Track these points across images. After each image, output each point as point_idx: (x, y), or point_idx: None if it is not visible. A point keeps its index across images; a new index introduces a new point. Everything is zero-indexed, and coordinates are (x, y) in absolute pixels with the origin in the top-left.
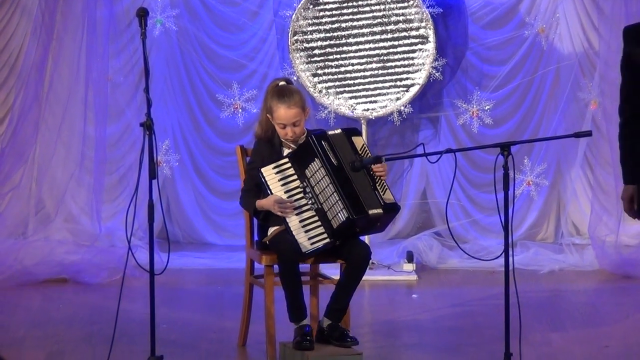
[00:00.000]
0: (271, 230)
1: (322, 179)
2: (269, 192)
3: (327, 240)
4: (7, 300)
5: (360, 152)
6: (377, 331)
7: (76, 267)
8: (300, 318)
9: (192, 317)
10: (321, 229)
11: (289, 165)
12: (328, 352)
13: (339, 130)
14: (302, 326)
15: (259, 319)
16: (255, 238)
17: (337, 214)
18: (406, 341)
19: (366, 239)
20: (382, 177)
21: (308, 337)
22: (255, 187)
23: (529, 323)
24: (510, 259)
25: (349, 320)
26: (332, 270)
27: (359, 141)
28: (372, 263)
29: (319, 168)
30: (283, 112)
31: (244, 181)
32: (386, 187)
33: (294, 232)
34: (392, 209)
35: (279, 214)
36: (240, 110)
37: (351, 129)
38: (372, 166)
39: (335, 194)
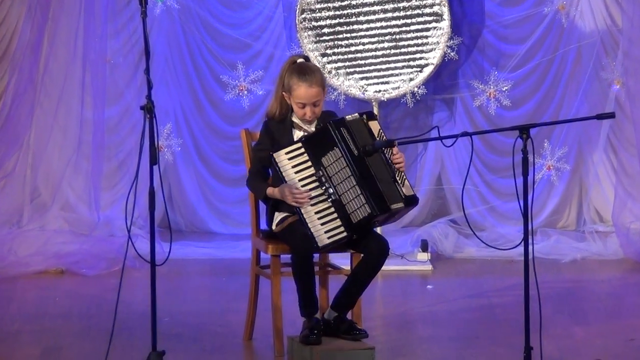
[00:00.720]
0: (278, 216)
1: (342, 169)
2: (282, 179)
3: (345, 234)
4: (0, 292)
5: (377, 138)
6: (390, 324)
7: (73, 258)
8: (311, 312)
9: (195, 310)
10: (338, 222)
11: (302, 150)
12: (337, 346)
13: (357, 115)
14: (311, 319)
15: (266, 311)
16: (262, 227)
17: (357, 208)
18: (420, 334)
19: (379, 227)
20: (400, 168)
21: (315, 331)
22: (263, 169)
23: (550, 315)
24: (530, 247)
25: (360, 312)
26: (342, 260)
27: (375, 126)
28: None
29: (339, 158)
30: (304, 91)
31: (251, 162)
32: (405, 178)
33: (309, 224)
34: (412, 202)
35: (292, 204)
36: (245, 92)
37: (368, 112)
38: (391, 156)
39: (356, 187)
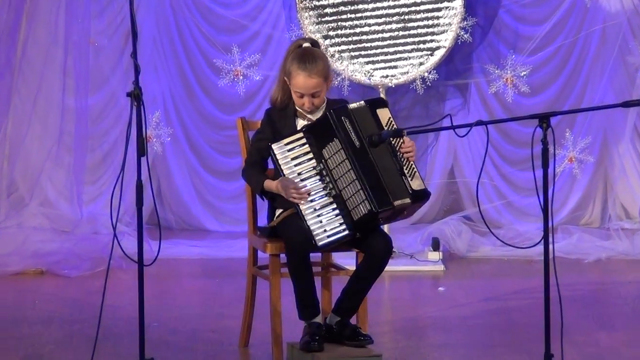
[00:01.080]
0: (279, 212)
1: (341, 162)
2: (281, 172)
3: (347, 232)
4: None
5: (386, 127)
6: (398, 329)
7: (54, 258)
8: (311, 315)
9: (187, 314)
10: (340, 219)
11: (304, 141)
12: (341, 353)
13: (362, 103)
14: (312, 324)
15: (264, 316)
16: (259, 223)
17: (358, 204)
18: (431, 341)
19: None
20: (410, 159)
21: (317, 337)
22: (261, 161)
23: (572, 320)
24: (551, 246)
25: (365, 316)
26: (347, 260)
27: (385, 114)
28: (393, 251)
29: (339, 150)
30: (302, 81)
31: (248, 152)
32: (415, 170)
33: (307, 221)
34: (421, 197)
35: (290, 199)
36: (241, 77)
37: (376, 99)
38: (401, 146)
39: (356, 181)
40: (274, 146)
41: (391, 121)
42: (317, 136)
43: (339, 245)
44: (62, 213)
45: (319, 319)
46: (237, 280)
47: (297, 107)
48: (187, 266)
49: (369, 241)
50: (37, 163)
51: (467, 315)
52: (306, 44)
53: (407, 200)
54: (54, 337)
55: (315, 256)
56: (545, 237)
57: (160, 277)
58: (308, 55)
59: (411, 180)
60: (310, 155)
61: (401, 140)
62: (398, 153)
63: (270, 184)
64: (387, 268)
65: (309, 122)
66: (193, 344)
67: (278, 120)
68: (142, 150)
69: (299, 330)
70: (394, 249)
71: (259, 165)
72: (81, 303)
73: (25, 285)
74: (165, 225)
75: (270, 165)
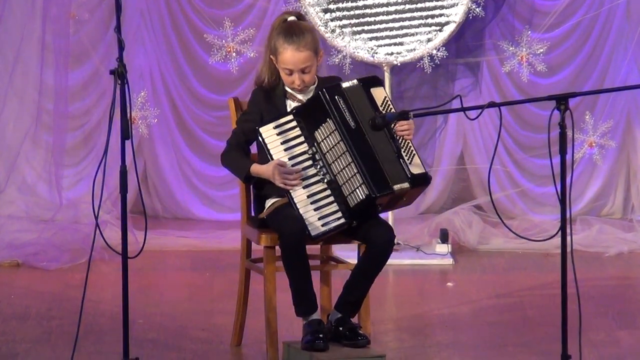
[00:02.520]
0: (269, 202)
1: (336, 144)
2: (269, 157)
3: (342, 220)
4: None
5: (381, 108)
6: (404, 328)
7: (31, 249)
8: (309, 311)
9: (175, 310)
10: (334, 207)
11: (294, 124)
12: (342, 354)
13: (355, 82)
14: (312, 321)
15: (258, 312)
16: (253, 212)
17: (354, 189)
18: (439, 340)
19: (390, 213)
20: (407, 139)
21: (321, 335)
22: (245, 144)
23: (592, 318)
24: (569, 238)
25: (368, 314)
26: (348, 253)
27: (380, 93)
28: (397, 244)
29: (333, 131)
30: (290, 55)
31: (233, 133)
32: (413, 152)
33: (300, 209)
34: (421, 182)
35: (280, 185)
36: (233, 54)
37: (370, 77)
38: (395, 127)
39: (352, 164)
40: (262, 129)
41: (387, 101)
42: (309, 117)
43: (336, 235)
44: (40, 199)
45: (317, 315)
46: (228, 274)
47: (286, 88)
48: (174, 258)
49: (368, 231)
50: (13, 144)
51: (478, 313)
52: (292, 18)
53: (406, 185)
54: (31, 335)
55: (313, 248)
56: (563, 229)
57: (146, 270)
58: (294, 27)
59: (410, 163)
60: (302, 139)
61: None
62: (394, 133)
63: (258, 169)
64: (391, 262)
65: (300, 104)
66: (181, 342)
67: (266, 102)
68: (126, 133)
69: (296, 329)
70: (398, 241)
71: (241, 148)
72: (60, 298)
73: None
74: (151, 214)
75: (253, 150)
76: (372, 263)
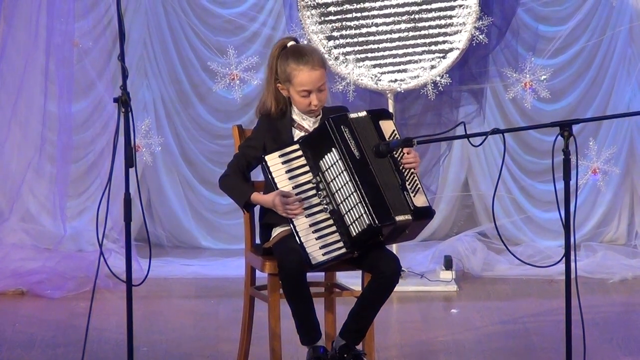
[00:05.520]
0: (275, 231)
1: (339, 174)
2: (274, 185)
3: (344, 250)
4: None
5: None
6: (408, 355)
7: (36, 277)
8: (313, 339)
9: (179, 337)
10: (336, 236)
11: (299, 153)
12: None
13: (364, 113)
14: (316, 348)
15: (262, 339)
16: (257, 240)
17: (356, 219)
18: None
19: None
20: (412, 171)
21: None
22: (247, 169)
23: (596, 344)
24: (573, 264)
25: (372, 340)
26: (353, 280)
27: (389, 126)
28: (402, 271)
29: (337, 161)
30: (307, 76)
31: (234, 157)
32: (418, 185)
33: (302, 238)
34: (424, 215)
35: (283, 214)
36: (237, 81)
37: (380, 110)
38: (401, 158)
39: (355, 194)
40: (268, 157)
41: (396, 134)
42: (314, 147)
43: (341, 263)
44: (44, 229)
45: (321, 343)
46: (233, 301)
47: (298, 116)
48: (179, 286)
49: (375, 262)
50: (17, 174)
51: (482, 340)
52: (291, 42)
53: (408, 217)
54: None
55: (317, 276)
56: (567, 255)
57: (150, 298)
58: (301, 49)
59: (414, 196)
60: (307, 169)
61: (402, 151)
62: (400, 164)
63: (259, 197)
64: (396, 288)
65: (306, 134)
66: None
67: (273, 131)
68: (130, 161)
69: (300, 356)
70: (403, 268)
71: (241, 173)
72: (65, 326)
73: (4, 307)
74: (156, 242)
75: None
76: (377, 293)
